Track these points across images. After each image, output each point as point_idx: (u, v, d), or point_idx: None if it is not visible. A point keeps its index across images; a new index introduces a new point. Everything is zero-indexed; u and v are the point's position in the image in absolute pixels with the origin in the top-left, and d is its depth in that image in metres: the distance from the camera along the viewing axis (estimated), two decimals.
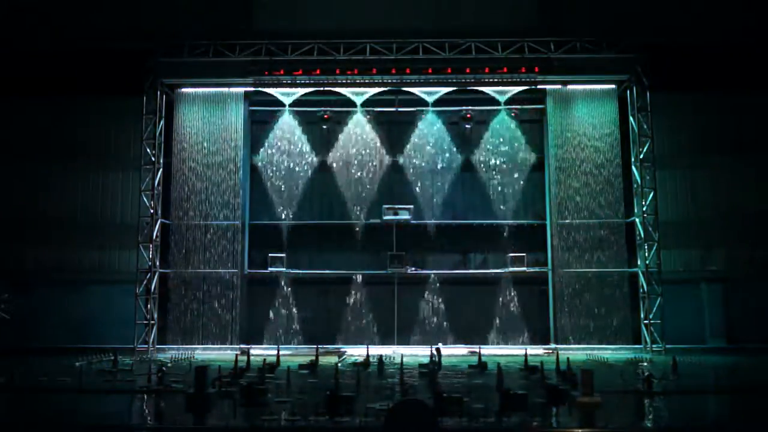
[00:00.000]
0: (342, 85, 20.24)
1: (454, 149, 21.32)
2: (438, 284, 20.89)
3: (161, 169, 20.31)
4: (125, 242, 20.26)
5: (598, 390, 9.80)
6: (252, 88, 20.53)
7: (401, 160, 21.35)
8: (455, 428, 8.38)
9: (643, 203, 19.58)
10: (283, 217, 21.11)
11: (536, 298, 20.81)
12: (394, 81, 20.08)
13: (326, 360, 16.07)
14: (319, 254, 21.06)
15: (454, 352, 18.77)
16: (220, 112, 20.68)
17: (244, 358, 14.54)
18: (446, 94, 20.58)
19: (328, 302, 20.75)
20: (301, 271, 20.80)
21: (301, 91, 20.55)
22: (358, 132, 21.25)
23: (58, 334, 19.67)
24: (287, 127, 21.16)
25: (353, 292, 20.84)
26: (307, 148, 21.26)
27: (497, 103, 20.76)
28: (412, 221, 20.69)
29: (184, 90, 20.78)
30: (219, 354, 18.40)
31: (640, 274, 19.55)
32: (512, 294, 20.72)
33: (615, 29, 19.96)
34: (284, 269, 20.40)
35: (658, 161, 19.77)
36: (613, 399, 10.39)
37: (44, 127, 21.32)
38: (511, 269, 20.34)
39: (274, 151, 21.31)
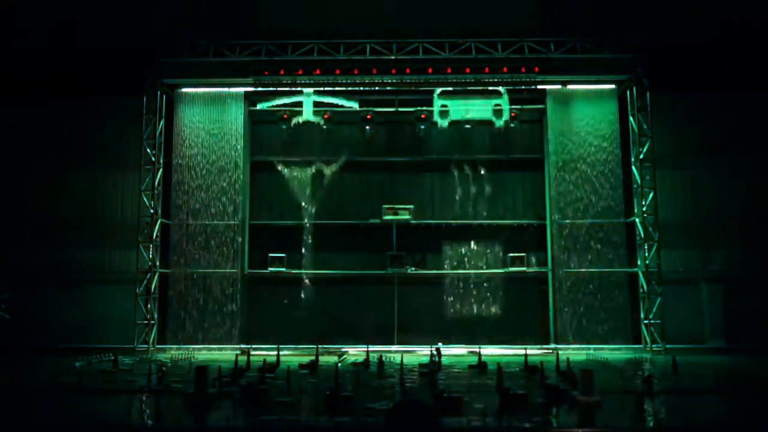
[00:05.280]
0: (342, 85, 20.23)
1: (455, 149, 21.34)
2: (438, 284, 20.90)
3: (161, 169, 20.31)
4: (125, 242, 20.25)
5: (598, 390, 9.81)
6: (252, 88, 20.54)
7: (401, 160, 21.38)
8: (455, 428, 8.38)
9: (643, 203, 19.58)
10: (284, 217, 21.19)
11: (536, 298, 20.81)
12: (394, 81, 20.06)
13: (326, 360, 16.08)
14: (319, 254, 21.05)
15: (454, 352, 18.78)
16: (220, 112, 20.68)
17: (244, 358, 14.54)
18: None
19: (328, 302, 20.75)
20: (301, 271, 20.81)
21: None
22: (358, 132, 21.30)
23: (58, 334, 19.65)
24: (287, 127, 21.22)
25: (353, 292, 20.85)
26: (306, 147, 21.32)
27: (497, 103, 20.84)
28: (412, 221, 20.71)
29: (184, 90, 20.76)
30: (219, 354, 18.40)
31: (640, 274, 19.55)
32: (512, 294, 20.74)
33: (615, 29, 19.96)
34: (284, 269, 20.41)
35: (658, 161, 19.75)
36: (613, 399, 10.40)
37: (44, 127, 21.29)
38: (511, 269, 20.34)
39: (273, 150, 21.45)
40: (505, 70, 19.81)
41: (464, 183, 21.39)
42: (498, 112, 20.81)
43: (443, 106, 20.89)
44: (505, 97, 20.71)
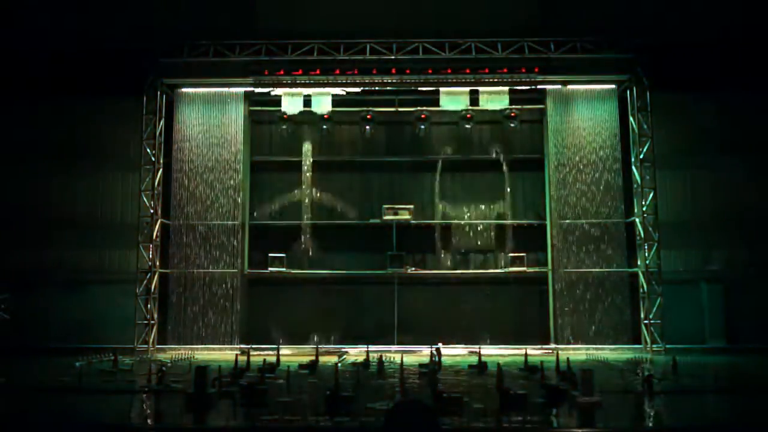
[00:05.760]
0: (342, 85, 20.22)
1: (455, 149, 21.37)
2: (438, 284, 20.90)
3: (161, 169, 20.31)
4: (125, 242, 20.25)
5: (598, 390, 9.81)
6: (252, 88, 20.53)
7: (401, 160, 21.38)
8: (455, 428, 8.37)
9: (643, 203, 19.58)
10: (284, 217, 21.22)
11: (536, 298, 20.81)
12: (394, 81, 20.05)
13: (326, 360, 16.08)
14: (319, 254, 21.06)
15: (454, 352, 18.77)
16: (220, 112, 20.68)
17: (244, 358, 14.54)
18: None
19: (328, 302, 20.75)
20: (301, 271, 20.81)
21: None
22: (359, 131, 21.30)
23: (58, 334, 19.65)
24: (287, 127, 21.24)
25: (353, 292, 20.85)
26: (307, 147, 21.34)
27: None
28: (412, 221, 20.71)
29: (184, 90, 20.77)
30: (219, 354, 18.40)
31: (640, 274, 19.56)
32: (512, 294, 20.74)
33: (615, 29, 19.96)
34: (284, 269, 20.40)
35: (658, 161, 19.76)
36: (613, 399, 10.39)
37: (44, 127, 21.30)
38: (511, 269, 20.34)
39: (273, 150, 21.46)
40: (505, 70, 19.83)
41: (465, 182, 21.39)
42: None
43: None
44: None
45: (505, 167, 21.25)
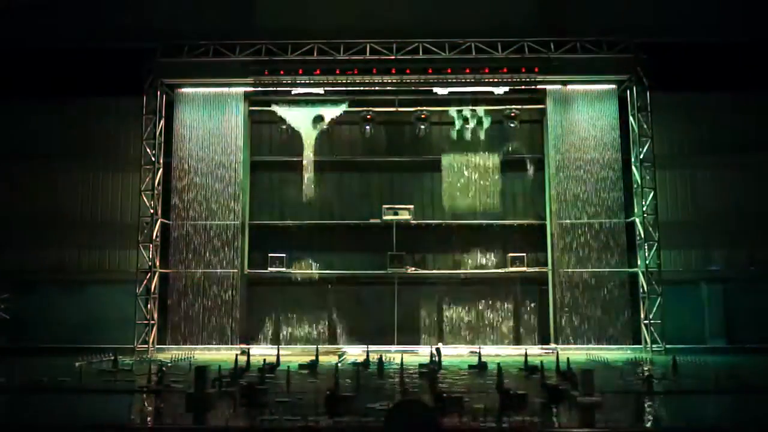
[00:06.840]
0: (342, 84, 20.21)
1: (455, 149, 21.35)
2: (438, 284, 20.90)
3: (161, 169, 20.31)
4: (125, 242, 20.26)
5: (598, 390, 9.80)
6: (252, 88, 20.52)
7: (401, 160, 21.37)
8: (455, 428, 8.37)
9: (643, 203, 19.58)
10: (284, 217, 21.22)
11: (536, 298, 20.80)
12: (394, 81, 20.04)
13: (326, 360, 16.07)
14: (319, 254, 21.05)
15: (454, 352, 18.78)
16: (220, 112, 20.68)
17: (244, 358, 14.54)
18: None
19: (328, 302, 20.75)
20: (301, 271, 20.80)
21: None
22: (358, 131, 21.29)
23: (58, 334, 19.65)
24: (287, 127, 21.24)
25: (353, 292, 20.85)
26: (306, 147, 21.32)
27: (497, 103, 20.83)
28: (412, 221, 20.70)
29: (184, 90, 20.77)
30: (219, 354, 18.39)
31: (640, 274, 19.55)
32: (512, 294, 20.74)
33: (615, 29, 19.96)
34: (284, 269, 20.40)
35: (658, 161, 19.76)
36: (613, 399, 10.38)
37: (44, 127, 21.31)
38: (511, 269, 20.34)
39: (273, 150, 21.46)
40: (505, 70, 19.82)
41: (465, 182, 21.37)
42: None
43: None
44: None
45: (505, 167, 21.25)
